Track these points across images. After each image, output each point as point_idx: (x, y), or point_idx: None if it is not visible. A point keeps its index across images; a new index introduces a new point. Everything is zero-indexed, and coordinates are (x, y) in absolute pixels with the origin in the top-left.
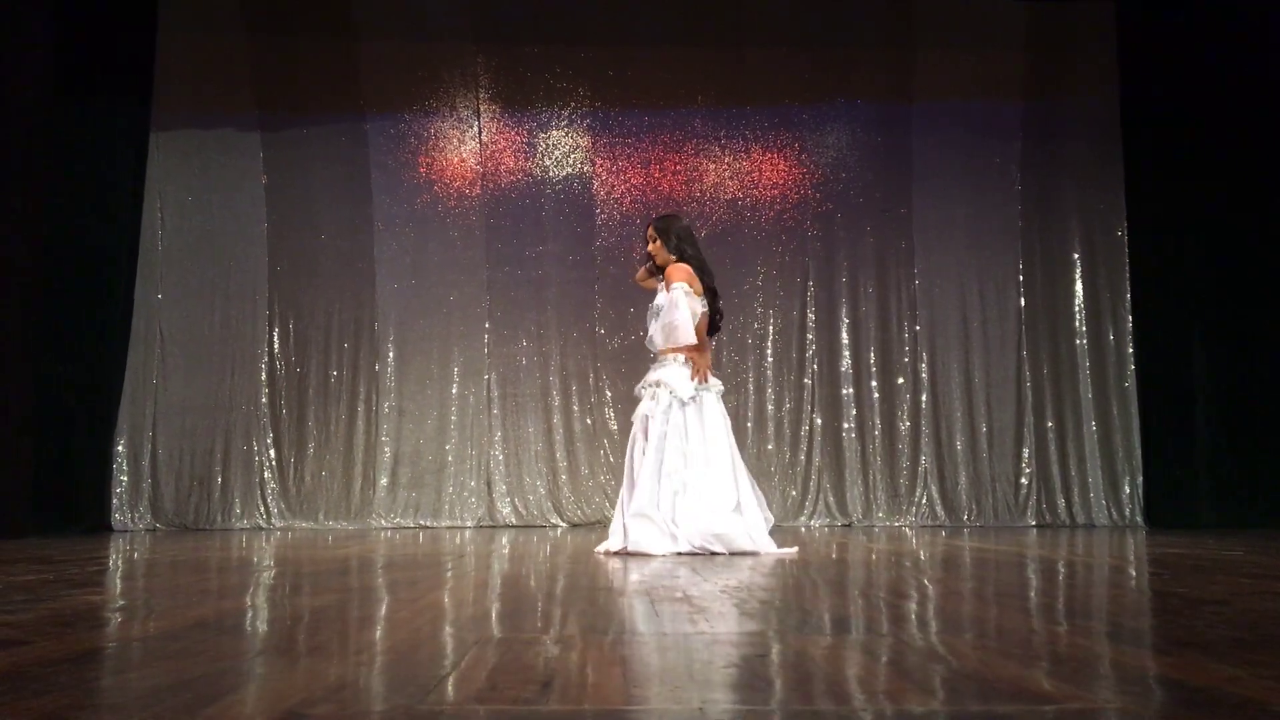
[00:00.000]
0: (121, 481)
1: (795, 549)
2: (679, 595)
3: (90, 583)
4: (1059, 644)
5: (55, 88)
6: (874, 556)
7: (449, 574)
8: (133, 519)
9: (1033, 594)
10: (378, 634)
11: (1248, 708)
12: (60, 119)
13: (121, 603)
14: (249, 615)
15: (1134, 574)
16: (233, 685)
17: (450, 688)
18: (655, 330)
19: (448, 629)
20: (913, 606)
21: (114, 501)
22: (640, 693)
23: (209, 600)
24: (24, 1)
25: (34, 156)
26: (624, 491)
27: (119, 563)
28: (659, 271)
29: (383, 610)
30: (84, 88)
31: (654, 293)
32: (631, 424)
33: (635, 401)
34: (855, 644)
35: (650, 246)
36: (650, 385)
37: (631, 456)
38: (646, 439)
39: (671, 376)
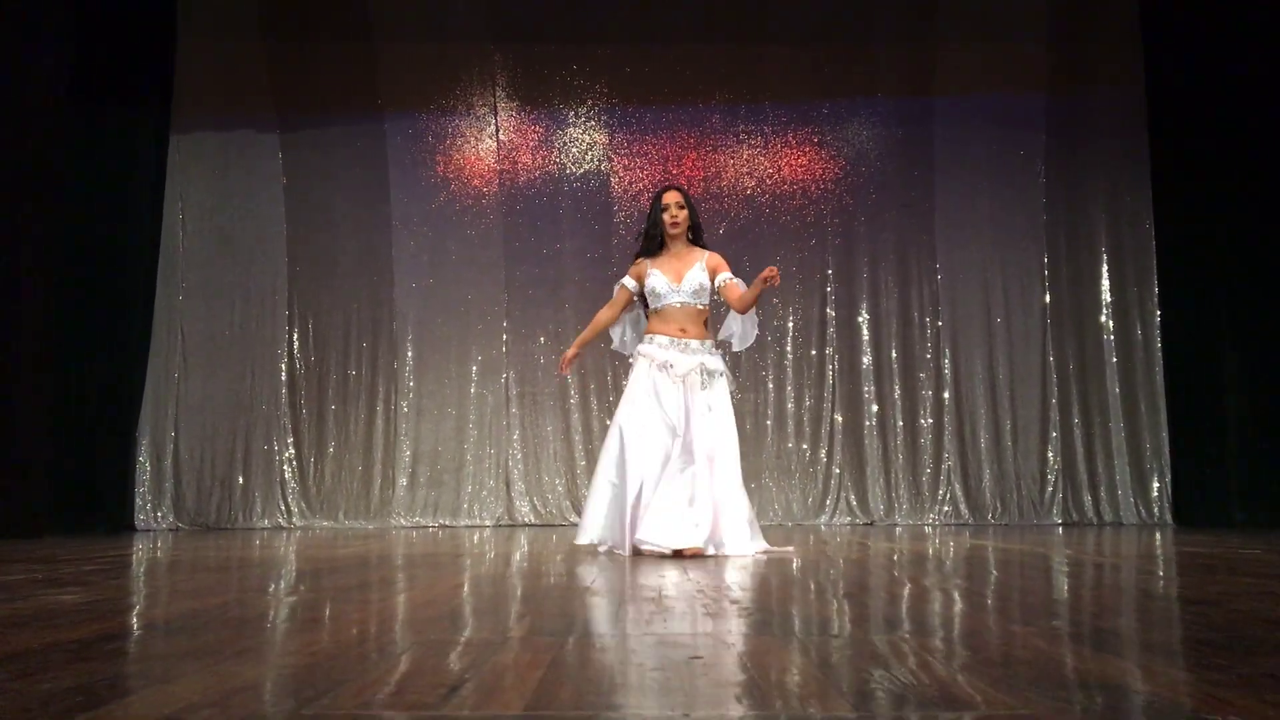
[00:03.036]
0: (144, 481)
1: (763, 548)
2: (652, 595)
3: (74, 582)
4: (1012, 645)
5: (76, 92)
6: (888, 556)
7: (431, 574)
8: (155, 519)
9: (1014, 593)
10: (316, 636)
11: (1171, 713)
12: (81, 123)
13: (88, 603)
14: (204, 616)
15: (1132, 573)
16: (130, 689)
17: (350, 692)
18: (746, 327)
19: (393, 631)
20: (884, 607)
21: (137, 501)
22: (548, 697)
23: (177, 600)
24: (44, 7)
25: (55, 160)
26: (703, 486)
27: (117, 563)
28: (696, 239)
29: (339, 612)
30: (104, 92)
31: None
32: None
33: None
34: (802, 645)
35: (685, 213)
36: (714, 374)
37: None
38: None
39: (724, 366)
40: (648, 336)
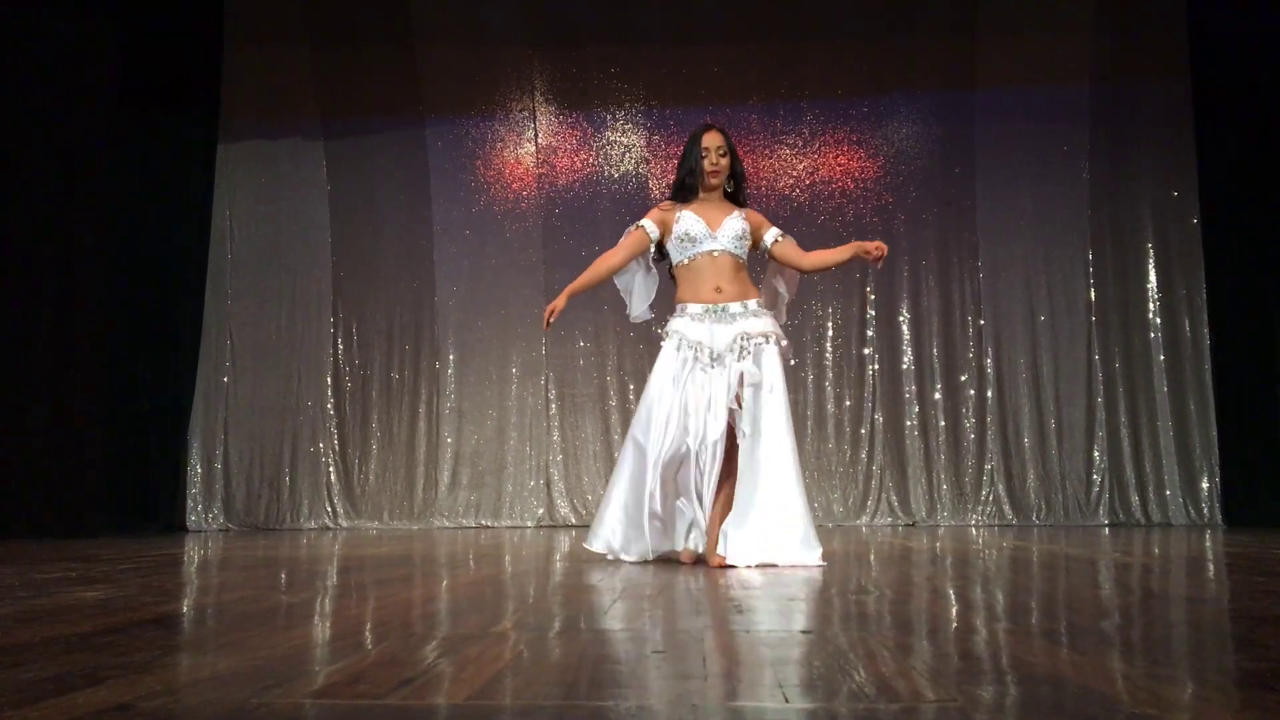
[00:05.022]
0: (195, 483)
1: (818, 560)
2: (648, 594)
3: (103, 580)
4: (977, 643)
5: (125, 103)
6: (913, 556)
7: (449, 573)
8: (207, 520)
9: (1014, 592)
10: (305, 630)
11: (1101, 706)
12: (130, 132)
13: (106, 599)
14: (209, 611)
15: (1147, 572)
16: (103, 679)
17: (307, 683)
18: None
19: (382, 625)
20: (875, 605)
21: (189, 503)
22: (495, 689)
23: (191, 596)
24: (93, 17)
25: (106, 170)
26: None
27: (153, 562)
28: (734, 194)
29: (340, 608)
30: (153, 102)
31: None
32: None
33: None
34: (768, 641)
35: (727, 161)
36: (761, 339)
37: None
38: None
39: (777, 328)
40: (679, 307)
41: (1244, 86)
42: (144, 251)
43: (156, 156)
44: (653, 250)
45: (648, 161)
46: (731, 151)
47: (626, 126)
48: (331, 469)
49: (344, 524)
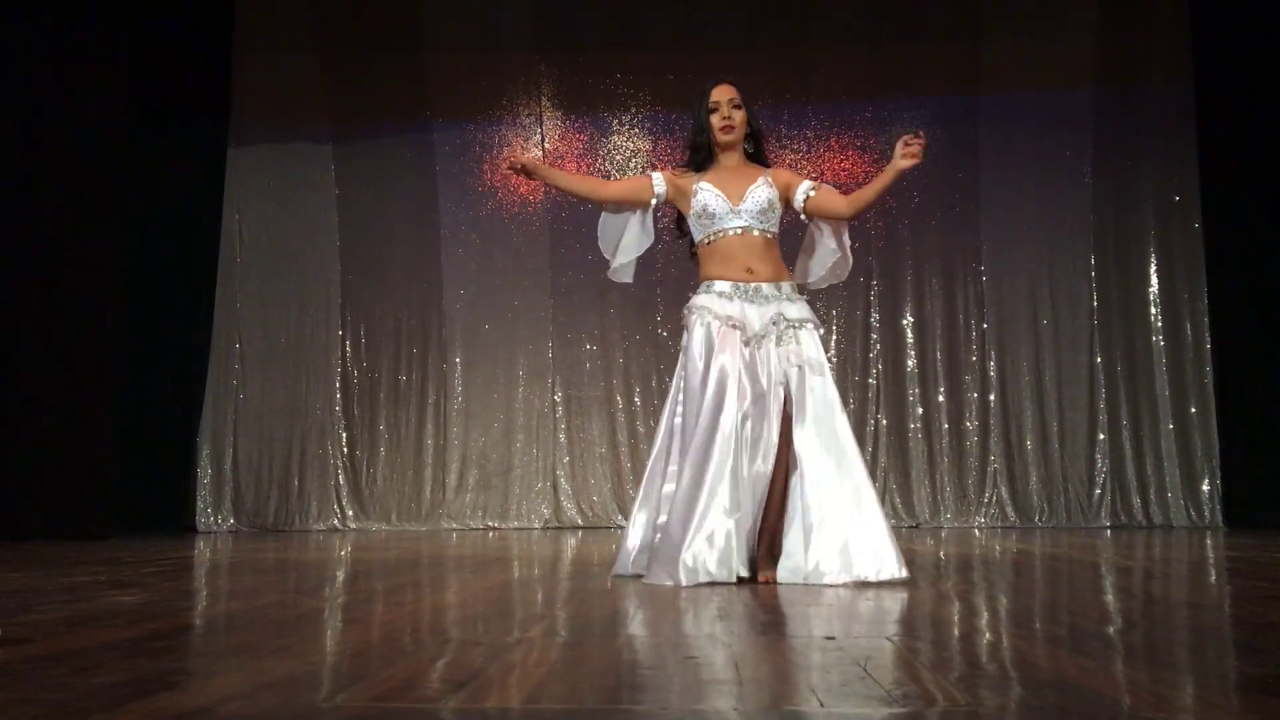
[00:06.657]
0: (205, 485)
1: (900, 571)
2: (669, 600)
3: (134, 584)
4: (992, 648)
5: (135, 109)
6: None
7: (468, 577)
8: (216, 521)
9: (1020, 596)
10: (348, 636)
11: (1107, 709)
12: (141, 139)
13: (144, 603)
14: (247, 616)
15: (1150, 577)
16: (173, 683)
17: (368, 688)
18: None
19: (420, 631)
20: (897, 610)
21: (198, 504)
22: (544, 694)
23: (224, 601)
24: (103, 25)
25: (117, 176)
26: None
27: (176, 565)
28: (756, 154)
29: (373, 613)
30: (163, 109)
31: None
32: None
33: None
34: (794, 646)
35: (741, 114)
36: (798, 324)
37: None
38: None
39: (812, 314)
40: (704, 284)
41: (1246, 90)
42: (154, 255)
43: (166, 162)
44: (653, 207)
45: (654, 166)
46: (746, 105)
47: (633, 131)
48: (340, 471)
49: (352, 525)
